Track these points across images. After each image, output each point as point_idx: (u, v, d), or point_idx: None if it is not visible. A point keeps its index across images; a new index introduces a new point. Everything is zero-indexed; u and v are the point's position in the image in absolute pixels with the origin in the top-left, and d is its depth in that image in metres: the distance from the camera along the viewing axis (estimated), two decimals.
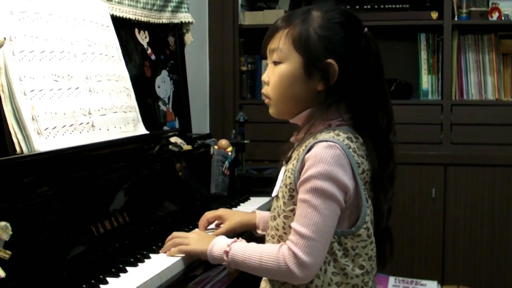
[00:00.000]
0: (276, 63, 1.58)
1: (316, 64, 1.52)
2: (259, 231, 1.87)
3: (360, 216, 1.52)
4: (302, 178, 1.49)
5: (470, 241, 3.45)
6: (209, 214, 1.93)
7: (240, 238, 1.63)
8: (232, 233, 1.85)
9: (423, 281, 3.41)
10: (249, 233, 1.90)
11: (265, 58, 1.64)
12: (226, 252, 1.57)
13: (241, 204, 2.42)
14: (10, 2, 1.73)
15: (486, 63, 3.54)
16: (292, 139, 1.62)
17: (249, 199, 2.53)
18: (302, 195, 1.48)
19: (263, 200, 2.49)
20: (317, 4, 1.61)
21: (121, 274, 1.52)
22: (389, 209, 1.63)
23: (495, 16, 3.47)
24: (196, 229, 1.84)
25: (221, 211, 1.94)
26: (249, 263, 1.54)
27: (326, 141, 1.48)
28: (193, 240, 1.67)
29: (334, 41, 1.53)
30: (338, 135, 1.50)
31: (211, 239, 1.63)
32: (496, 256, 3.43)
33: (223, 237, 1.64)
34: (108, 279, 1.48)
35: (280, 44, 1.56)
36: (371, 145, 1.56)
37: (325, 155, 1.46)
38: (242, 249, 1.56)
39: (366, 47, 1.55)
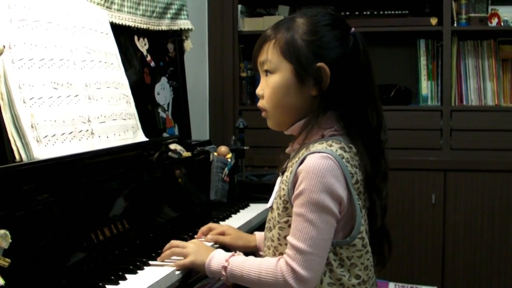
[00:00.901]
0: (267, 74, 1.58)
1: (307, 70, 1.52)
2: (261, 253, 1.85)
3: (355, 226, 1.52)
4: (296, 191, 1.48)
5: (470, 247, 3.45)
6: (213, 227, 1.91)
7: (237, 252, 1.63)
8: (232, 249, 1.84)
9: (423, 287, 3.40)
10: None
11: (256, 69, 1.64)
12: (225, 268, 1.56)
13: (241, 211, 2.42)
14: (9, 10, 1.74)
15: (486, 69, 3.54)
16: (287, 150, 1.62)
17: (249, 205, 2.53)
18: (297, 208, 1.48)
19: (263, 206, 2.48)
20: (300, 10, 1.61)
21: (120, 281, 1.52)
22: (384, 208, 1.62)
23: (494, 22, 3.47)
24: (194, 239, 1.82)
25: (226, 227, 1.91)
26: (247, 278, 1.54)
27: (319, 152, 1.48)
28: (192, 250, 1.65)
29: (322, 44, 1.53)
30: (330, 145, 1.50)
31: (209, 251, 1.62)
32: (496, 262, 3.43)
33: (221, 251, 1.63)
34: (107, 286, 1.48)
35: (268, 55, 1.57)
36: (362, 147, 1.55)
37: (318, 167, 1.46)
38: (240, 264, 1.55)
39: (354, 47, 1.55)
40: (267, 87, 1.58)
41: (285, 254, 1.50)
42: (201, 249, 1.66)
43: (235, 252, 1.62)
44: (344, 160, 1.49)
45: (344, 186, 1.48)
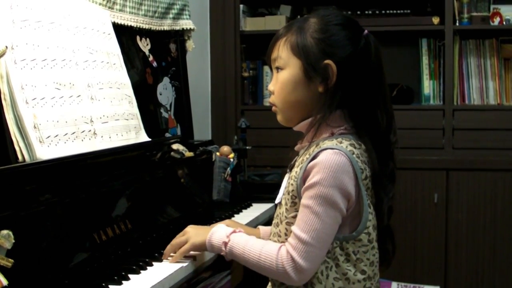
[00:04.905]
0: (278, 70, 1.61)
1: (315, 66, 1.55)
2: None
3: (361, 221, 1.53)
4: (307, 184, 1.50)
5: (473, 246, 3.45)
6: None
7: (239, 229, 1.65)
8: None
9: (426, 286, 3.41)
10: None
11: (270, 68, 1.68)
12: (225, 243, 1.59)
13: (243, 211, 2.42)
14: (11, 11, 1.74)
15: (488, 68, 3.54)
16: (296, 147, 1.65)
17: (251, 205, 2.53)
18: (305, 200, 1.50)
19: (266, 206, 2.49)
20: (314, 12, 1.64)
21: (123, 281, 1.52)
22: (390, 209, 1.64)
23: (496, 21, 3.47)
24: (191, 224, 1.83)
25: (228, 222, 1.92)
26: (247, 258, 1.56)
27: (332, 148, 1.50)
28: (191, 233, 1.68)
29: (331, 42, 1.56)
30: (341, 142, 1.52)
31: (208, 230, 1.65)
32: (498, 261, 3.42)
33: (223, 226, 1.66)
34: (110, 286, 1.48)
35: (279, 52, 1.61)
36: (370, 145, 1.57)
37: (331, 162, 1.48)
38: (242, 243, 1.58)
39: (365, 48, 1.57)
40: (277, 83, 1.62)
41: (287, 242, 1.52)
42: (200, 230, 1.69)
43: (237, 229, 1.64)
44: (354, 155, 1.51)
45: (354, 182, 1.50)
